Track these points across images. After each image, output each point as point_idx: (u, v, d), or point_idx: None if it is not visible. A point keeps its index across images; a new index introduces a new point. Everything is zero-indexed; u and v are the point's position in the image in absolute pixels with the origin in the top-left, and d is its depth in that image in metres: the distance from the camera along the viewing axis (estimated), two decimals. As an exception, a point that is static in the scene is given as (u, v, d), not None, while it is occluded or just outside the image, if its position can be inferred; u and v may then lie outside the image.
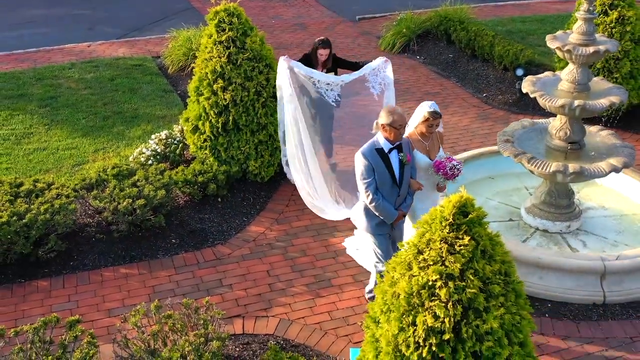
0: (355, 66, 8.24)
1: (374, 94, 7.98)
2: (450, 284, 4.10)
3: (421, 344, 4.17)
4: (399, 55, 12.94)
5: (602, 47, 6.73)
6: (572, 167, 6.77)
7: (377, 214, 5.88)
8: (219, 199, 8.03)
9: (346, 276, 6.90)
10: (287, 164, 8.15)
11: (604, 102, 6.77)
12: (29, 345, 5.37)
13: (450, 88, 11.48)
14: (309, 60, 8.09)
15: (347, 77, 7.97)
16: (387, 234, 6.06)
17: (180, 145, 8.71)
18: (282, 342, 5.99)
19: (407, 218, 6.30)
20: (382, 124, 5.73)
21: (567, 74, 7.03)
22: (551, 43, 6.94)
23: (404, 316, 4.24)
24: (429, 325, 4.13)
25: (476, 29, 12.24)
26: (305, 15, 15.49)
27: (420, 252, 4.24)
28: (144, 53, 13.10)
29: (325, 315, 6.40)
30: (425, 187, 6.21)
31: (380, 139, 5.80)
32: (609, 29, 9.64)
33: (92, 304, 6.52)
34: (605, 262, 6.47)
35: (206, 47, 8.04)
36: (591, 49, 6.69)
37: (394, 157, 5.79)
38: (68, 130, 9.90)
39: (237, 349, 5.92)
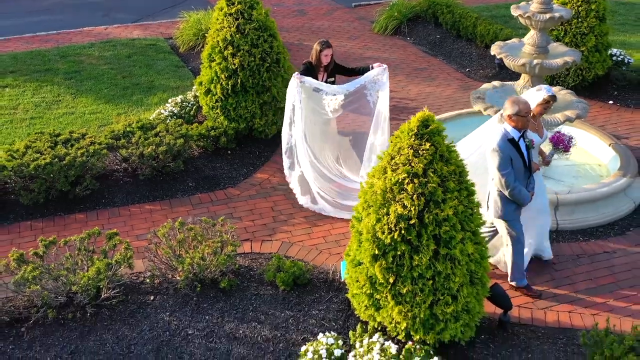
0: (353, 71, 8.47)
1: (370, 102, 8.13)
2: (416, 180, 5.27)
3: (393, 229, 5.34)
4: (390, 37, 14.12)
5: (557, 14, 7.89)
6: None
7: (514, 200, 6.18)
8: (229, 152, 9.20)
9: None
10: (290, 168, 8.31)
11: (559, 61, 7.94)
12: (76, 252, 6.54)
13: (436, 64, 12.65)
14: (311, 66, 8.21)
15: (350, 85, 8.05)
16: (519, 217, 6.37)
17: (194, 107, 9.88)
18: (284, 257, 7.14)
19: None
20: (508, 115, 6.08)
21: (529, 39, 8.20)
22: (514, 11, 8.11)
23: (380, 209, 5.41)
24: (399, 213, 5.30)
25: (461, 12, 13.42)
26: (305, 3, 16.65)
27: (392, 158, 5.41)
28: (157, 35, 14.26)
29: (320, 239, 7.56)
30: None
31: (508, 128, 6.11)
32: (576, 7, 10.77)
33: (123, 230, 7.66)
34: (558, 196, 7.63)
35: (217, 19, 9.20)
36: (547, 15, 7.85)
37: (521, 144, 6.15)
38: (92, 98, 11.06)
39: (247, 262, 7.08)
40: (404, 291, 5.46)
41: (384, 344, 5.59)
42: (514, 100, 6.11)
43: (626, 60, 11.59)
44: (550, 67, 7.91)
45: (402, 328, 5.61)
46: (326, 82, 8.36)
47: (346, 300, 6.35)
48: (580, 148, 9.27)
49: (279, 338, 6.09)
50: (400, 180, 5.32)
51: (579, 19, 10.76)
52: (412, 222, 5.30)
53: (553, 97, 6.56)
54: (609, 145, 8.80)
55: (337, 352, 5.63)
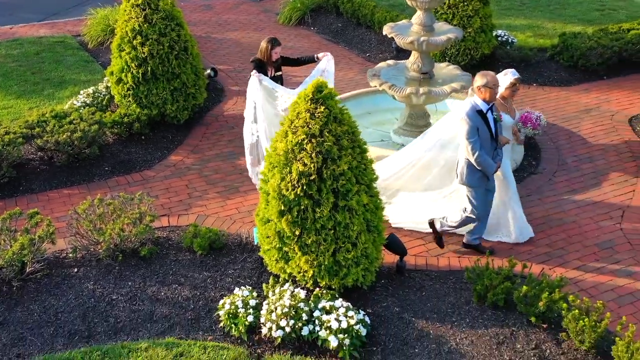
0: (298, 62, 8.82)
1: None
2: (313, 140, 5.90)
3: (296, 185, 5.95)
4: (295, 27, 14.77)
5: (439, -5, 8.69)
6: (422, 89, 8.72)
7: (479, 168, 6.67)
8: (143, 137, 9.59)
9: (250, 185, 8.58)
10: (252, 164, 8.35)
11: (443, 37, 8.75)
12: (-2, 232, 6.83)
13: (339, 51, 13.37)
14: (261, 62, 8.38)
15: (304, 86, 7.86)
16: (484, 188, 6.86)
17: (106, 97, 10.20)
18: (201, 228, 7.64)
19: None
20: (477, 86, 6.56)
21: (416, 18, 8.98)
22: (402, -6, 8.85)
23: (284, 168, 6.02)
24: (300, 170, 5.91)
25: (360, 1, 14.20)
26: (211, -2, 17.09)
27: (292, 122, 6.02)
28: (65, 32, 14.38)
29: (234, 210, 8.10)
30: (507, 145, 7.22)
31: (477, 101, 6.60)
32: (462, -8, 11.72)
33: (43, 214, 7.95)
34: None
35: (125, 10, 9.57)
36: (431, -4, 8.65)
37: (489, 117, 6.64)
38: (2, 95, 11.17)
39: (165, 234, 7.55)
40: (309, 242, 6.08)
41: (294, 291, 6.19)
42: (482, 73, 6.59)
43: (510, 40, 12.63)
44: (435, 44, 8.71)
45: (310, 276, 6.24)
46: (274, 76, 8.61)
47: (259, 259, 6.92)
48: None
49: (199, 296, 6.60)
50: (299, 141, 5.94)
51: (465, 3, 11.70)
52: (312, 178, 5.93)
53: (519, 80, 7.17)
54: (493, 113, 9.71)
55: (252, 302, 6.19)
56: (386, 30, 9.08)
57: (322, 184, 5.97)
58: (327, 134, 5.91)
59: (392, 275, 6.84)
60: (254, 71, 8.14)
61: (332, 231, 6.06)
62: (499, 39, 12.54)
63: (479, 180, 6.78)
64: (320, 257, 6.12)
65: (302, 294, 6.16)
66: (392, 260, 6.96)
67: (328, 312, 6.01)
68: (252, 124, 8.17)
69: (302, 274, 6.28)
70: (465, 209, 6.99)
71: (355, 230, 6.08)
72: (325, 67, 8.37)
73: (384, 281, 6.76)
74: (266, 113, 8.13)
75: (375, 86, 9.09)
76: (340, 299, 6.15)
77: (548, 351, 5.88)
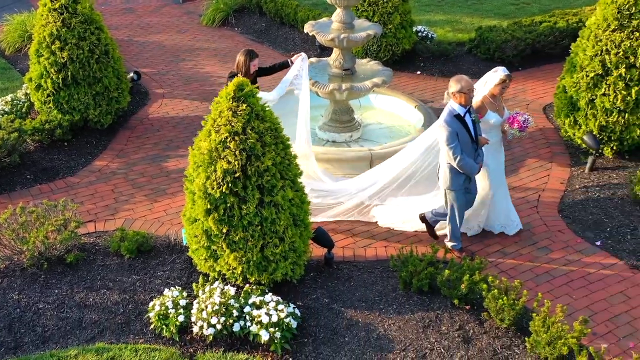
0: (272, 69, 8.59)
1: (299, 94, 8.29)
2: (237, 138, 5.96)
3: (221, 183, 6.00)
4: (219, 28, 14.75)
5: (356, -8, 8.88)
6: (345, 85, 8.89)
7: (462, 171, 6.68)
8: (65, 143, 9.44)
9: (177, 187, 8.57)
10: None
11: (362, 34, 8.94)
12: None
13: (263, 50, 13.43)
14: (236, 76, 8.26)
15: (281, 89, 8.18)
16: (466, 190, 6.88)
17: (25, 104, 9.98)
18: (128, 232, 7.58)
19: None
20: (453, 92, 6.54)
21: (336, 16, 9.14)
22: (320, -8, 9.00)
23: (208, 167, 6.05)
24: (225, 168, 5.97)
25: (282, 0, 14.29)
26: (132, 1, 16.84)
27: (215, 121, 6.07)
28: (-21, 40, 13.95)
29: (161, 213, 8.07)
30: (496, 143, 7.14)
31: (454, 105, 6.59)
32: (380, -10, 11.97)
33: (-38, 225, 7.75)
34: (372, 152, 8.64)
35: (42, 15, 9.38)
36: (349, -6, 8.82)
37: (468, 119, 6.62)
38: None
39: (92, 239, 7.46)
40: (237, 239, 6.14)
41: (223, 288, 6.24)
42: (457, 78, 6.56)
43: (430, 35, 12.97)
44: (355, 40, 8.89)
45: (239, 272, 6.30)
46: None
47: (188, 260, 6.93)
48: (391, 112, 10.43)
49: (128, 300, 6.57)
50: (223, 140, 5.99)
51: (385, 0, 11.94)
52: (237, 175, 5.99)
53: (509, 76, 6.93)
54: (415, 107, 9.99)
55: (183, 302, 6.21)
56: (307, 28, 9.21)
57: (247, 181, 6.04)
58: (250, 132, 5.98)
59: (320, 268, 6.97)
60: None
61: (259, 227, 6.14)
62: (419, 34, 12.86)
63: (464, 183, 6.80)
64: (248, 254, 6.19)
65: (232, 290, 6.21)
66: (321, 253, 7.09)
67: (258, 307, 6.09)
68: None
69: (231, 271, 6.34)
70: (448, 213, 7.04)
71: (282, 225, 6.18)
72: (300, 69, 8.21)
73: (313, 274, 6.88)
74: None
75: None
76: (270, 294, 6.24)
77: (471, 331, 6.12)
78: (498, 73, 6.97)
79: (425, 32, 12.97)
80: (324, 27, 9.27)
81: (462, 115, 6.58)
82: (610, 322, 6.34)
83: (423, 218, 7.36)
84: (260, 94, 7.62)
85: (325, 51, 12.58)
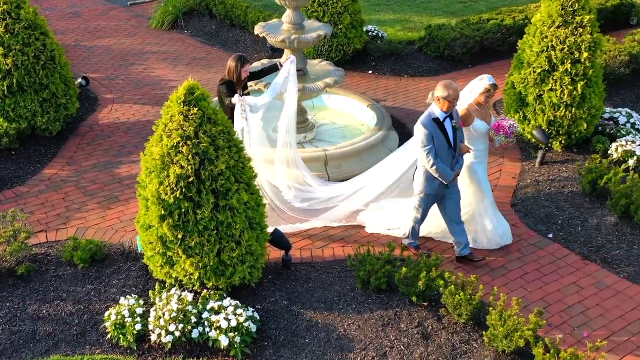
0: (261, 73, 8.44)
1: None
2: (189, 142, 5.90)
3: (174, 188, 5.93)
4: (168, 31, 14.57)
5: (306, -7, 8.88)
6: (297, 86, 8.86)
7: (436, 176, 6.61)
8: (13, 152, 9.19)
9: (130, 193, 8.43)
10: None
11: (313, 35, 8.94)
12: None
13: (214, 53, 13.34)
14: (231, 84, 7.84)
15: (273, 92, 7.95)
16: (436, 196, 6.81)
17: (-32, 113, 9.69)
18: (81, 240, 7.43)
19: (464, 178, 7.09)
20: (437, 97, 6.43)
21: (286, 17, 9.12)
22: (270, -7, 8.97)
23: (161, 172, 5.97)
24: (178, 173, 5.89)
25: (232, 2, 14.21)
26: (78, 5, 16.53)
27: (166, 125, 5.99)
28: None
29: (115, 220, 7.93)
30: (484, 150, 7.07)
31: (435, 109, 6.49)
32: (330, -10, 12.00)
33: None
34: (326, 152, 8.65)
35: (-17, 21, 9.13)
36: (298, -5, 8.82)
37: (447, 125, 6.51)
38: None
39: (43, 250, 7.28)
40: (193, 244, 6.07)
41: (181, 295, 6.16)
42: (446, 84, 6.40)
43: (380, 35, 13.05)
44: (306, 41, 8.89)
45: (196, 278, 6.24)
46: (242, 94, 8.14)
47: (144, 267, 6.83)
48: (344, 112, 10.46)
49: (83, 310, 6.43)
50: (175, 144, 5.91)
51: (334, 0, 11.97)
52: (190, 180, 5.92)
53: (494, 86, 6.82)
54: (367, 106, 10.03)
55: (139, 310, 6.11)
56: (257, 30, 9.17)
57: (201, 185, 5.98)
58: (203, 135, 5.92)
59: (278, 270, 6.95)
60: (236, 96, 7.59)
61: (215, 231, 6.08)
62: (370, 33, 12.93)
63: (438, 188, 6.71)
64: (205, 258, 6.13)
65: (189, 296, 6.14)
66: (278, 256, 7.07)
67: (217, 312, 6.03)
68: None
69: (188, 276, 6.27)
70: (413, 214, 7.00)
71: (238, 229, 6.13)
72: (289, 72, 8.08)
73: (271, 276, 6.85)
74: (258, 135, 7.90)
75: (251, 86, 9.16)
76: (229, 298, 6.19)
77: (430, 327, 6.18)
78: (483, 81, 6.86)
79: (376, 32, 13.05)
80: (274, 29, 9.25)
81: (442, 119, 6.48)
82: (564, 313, 6.47)
83: (458, 258, 7.11)
84: (252, 99, 7.68)
85: (276, 52, 12.54)
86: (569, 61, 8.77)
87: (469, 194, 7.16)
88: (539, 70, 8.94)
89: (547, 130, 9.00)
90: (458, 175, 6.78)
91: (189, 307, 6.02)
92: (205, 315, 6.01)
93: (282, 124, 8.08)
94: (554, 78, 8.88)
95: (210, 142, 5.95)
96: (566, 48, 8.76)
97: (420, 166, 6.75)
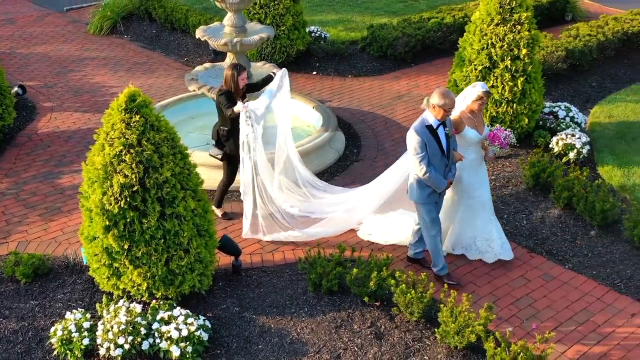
0: (258, 85, 8.13)
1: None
2: (132, 150, 5.77)
3: (119, 198, 5.79)
4: (107, 36, 14.28)
5: (247, -5, 8.81)
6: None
7: (428, 184, 6.42)
8: (-53, 166, 8.87)
9: (73, 204, 8.20)
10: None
11: (255, 37, 8.88)
12: None
13: (155, 57, 13.13)
14: (230, 94, 7.56)
15: (267, 100, 7.59)
16: (435, 203, 6.59)
17: None
18: (22, 255, 7.19)
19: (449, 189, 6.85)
20: (433, 104, 6.23)
21: (227, 20, 9.03)
22: (210, -4, 8.87)
23: (104, 182, 5.83)
24: (122, 182, 5.76)
25: (172, 5, 14.01)
26: (12, 12, 16.06)
27: (107, 134, 5.85)
28: None
29: (58, 232, 7.71)
30: (476, 160, 6.83)
31: (429, 116, 6.31)
32: (271, -8, 11.95)
33: None
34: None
35: None
36: (239, -3, 8.74)
37: (441, 132, 6.33)
38: None
39: (-17, 266, 7.03)
40: (140, 254, 5.94)
41: (129, 306, 6.02)
42: (443, 92, 6.22)
43: (323, 35, 13.05)
44: (249, 44, 8.82)
45: (145, 289, 6.11)
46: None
47: (90, 279, 6.65)
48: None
49: (27, 327, 6.22)
50: (118, 153, 5.78)
51: (276, 2, 11.93)
52: (135, 189, 5.79)
53: (487, 93, 6.63)
54: (313, 107, 10.02)
55: (87, 324, 5.95)
56: (199, 33, 9.06)
57: (146, 194, 5.86)
58: (146, 143, 5.80)
59: (229, 276, 6.87)
60: (239, 103, 7.33)
61: (163, 240, 5.97)
62: (313, 34, 12.93)
63: (429, 197, 6.52)
64: (153, 268, 6.01)
65: (138, 308, 6.01)
66: (228, 262, 6.98)
67: (167, 323, 5.92)
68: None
69: (136, 287, 6.14)
70: (423, 230, 6.76)
71: (185, 237, 6.03)
72: (282, 82, 7.83)
73: (222, 283, 6.77)
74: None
75: (195, 90, 9.06)
76: (179, 308, 6.08)
77: (383, 327, 6.20)
78: (476, 89, 6.68)
79: (319, 32, 13.06)
80: (216, 32, 9.15)
81: (435, 127, 6.32)
82: (513, 306, 6.58)
83: (410, 259, 7.10)
84: (253, 104, 7.39)
85: (219, 55, 12.42)
86: (509, 58, 8.93)
87: (447, 198, 6.97)
88: (480, 68, 9.08)
89: (490, 126, 9.15)
90: (451, 183, 6.64)
91: (138, 319, 5.89)
92: (155, 326, 5.89)
93: (280, 140, 7.94)
94: (495, 75, 9.03)
95: (154, 150, 5.83)
96: (505, 45, 8.92)
97: (412, 174, 6.57)
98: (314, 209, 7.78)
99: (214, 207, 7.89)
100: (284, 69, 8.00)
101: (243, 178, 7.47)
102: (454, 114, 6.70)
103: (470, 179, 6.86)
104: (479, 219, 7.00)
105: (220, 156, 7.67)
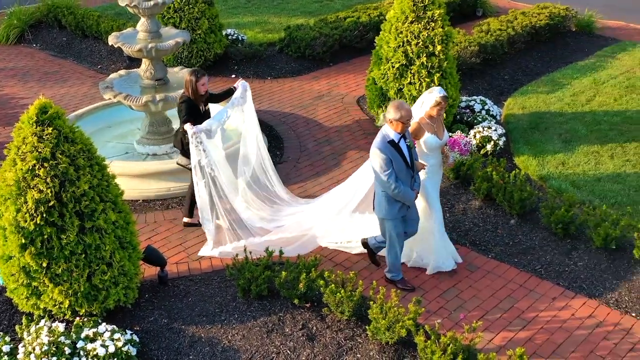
0: (220, 97, 8.10)
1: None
2: (46, 164, 5.56)
3: (34, 214, 5.57)
4: (15, 45, 13.74)
5: (160, 0, 8.63)
6: (159, 96, 8.61)
7: (397, 199, 6.31)
8: None
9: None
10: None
11: (171, 42, 8.72)
12: None
13: (67, 66, 12.72)
14: (191, 102, 7.49)
15: (227, 111, 7.66)
16: (402, 217, 6.49)
17: None
18: None
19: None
20: (390, 119, 6.13)
21: (141, 25, 8.83)
22: (122, 2, 8.65)
23: (18, 199, 5.59)
24: (37, 198, 5.54)
25: (83, 12, 13.60)
26: None
27: (19, 148, 5.61)
28: None
29: (-29, 253, 7.34)
30: (435, 165, 6.74)
31: (389, 131, 6.19)
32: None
33: None
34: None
35: None
36: (152, 2, 8.55)
37: (402, 145, 6.24)
38: None
39: None
40: (60, 271, 5.74)
41: (51, 326, 5.80)
42: (398, 105, 6.15)
43: (240, 38, 12.95)
44: (164, 49, 8.64)
45: (67, 306, 5.90)
46: (205, 111, 7.75)
47: (8, 300, 6.37)
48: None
49: (-58, 355, 5.91)
50: (31, 168, 5.55)
51: (190, 5, 11.75)
52: (51, 204, 5.58)
53: (444, 98, 6.55)
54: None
55: (6, 348, 5.70)
56: (112, 40, 8.82)
57: (63, 209, 5.65)
58: (61, 156, 5.59)
59: (155, 288, 6.71)
60: (188, 125, 7.18)
61: (83, 255, 5.78)
62: (230, 37, 12.81)
63: (400, 211, 6.43)
64: (75, 285, 5.81)
65: (61, 327, 5.79)
66: (154, 273, 6.83)
67: (93, 340, 5.72)
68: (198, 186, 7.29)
69: (58, 306, 5.93)
70: (387, 244, 6.68)
71: (108, 250, 5.86)
72: (243, 95, 7.82)
73: (148, 295, 6.61)
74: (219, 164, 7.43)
75: (110, 98, 8.82)
76: (104, 324, 5.89)
77: (314, 328, 6.19)
78: (433, 94, 6.59)
79: (236, 35, 12.95)
80: (129, 38, 8.94)
81: (397, 141, 6.22)
82: (440, 298, 6.70)
83: (365, 244, 7.03)
84: (204, 125, 7.27)
85: (134, 62, 12.14)
86: (425, 55, 9.10)
87: (418, 210, 6.84)
88: (397, 65, 9.21)
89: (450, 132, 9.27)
90: (418, 194, 6.55)
91: (62, 338, 5.67)
92: (80, 344, 5.69)
93: (249, 150, 7.87)
94: (412, 72, 9.18)
95: (69, 162, 5.64)
96: (421, 42, 9.08)
97: (379, 191, 6.45)
98: (277, 219, 7.66)
99: (185, 218, 7.69)
100: (244, 82, 7.98)
101: (199, 203, 7.29)
102: (413, 121, 6.57)
103: (432, 184, 6.83)
104: (437, 222, 6.92)
105: (190, 166, 7.40)
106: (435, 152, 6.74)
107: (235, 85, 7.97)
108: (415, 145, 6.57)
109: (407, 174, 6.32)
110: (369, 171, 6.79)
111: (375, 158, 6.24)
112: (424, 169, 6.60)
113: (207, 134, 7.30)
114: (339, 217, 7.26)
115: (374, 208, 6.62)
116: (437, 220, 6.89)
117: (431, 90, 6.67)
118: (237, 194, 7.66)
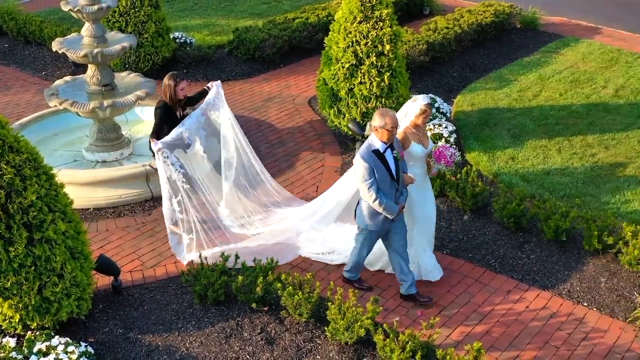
0: (194, 99, 7.97)
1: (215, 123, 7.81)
2: (-9, 175, 5.38)
3: (-21, 227, 5.39)
4: (-46, 53, 13.31)
5: (104, 5, 8.48)
6: (107, 102, 8.45)
7: (380, 211, 6.13)
8: None
9: None
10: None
11: (117, 47, 8.57)
12: None
13: (10, 73, 12.37)
14: (167, 106, 7.40)
15: (200, 114, 7.52)
16: (381, 231, 6.34)
17: None
18: None
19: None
20: (375, 127, 5.96)
21: (86, 30, 8.65)
22: (64, 7, 8.47)
23: (-39, 212, 5.40)
24: (-19, 211, 5.36)
25: (25, 17, 13.26)
26: None
27: (-39, 160, 5.42)
28: None
29: None
30: (421, 175, 6.56)
31: (374, 140, 6.03)
32: (130, -1, 11.58)
33: None
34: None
35: None
36: (96, 7, 8.39)
37: (389, 156, 6.05)
38: None
39: None
40: (9, 285, 5.58)
41: (1, 341, 5.64)
42: (382, 112, 5.99)
43: (189, 41, 12.80)
44: (110, 54, 8.48)
45: (17, 321, 5.75)
46: (183, 115, 7.54)
47: (-45, 317, 6.16)
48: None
49: None
50: (-26, 179, 5.38)
51: (136, 9, 11.56)
52: (-4, 216, 5.42)
53: (429, 105, 6.41)
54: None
55: (-46, 367, 5.51)
56: (55, 46, 8.63)
57: (10, 220, 5.49)
58: (6, 166, 5.43)
59: (110, 297, 6.59)
60: (153, 143, 7.02)
61: (33, 267, 5.63)
62: (178, 40, 12.65)
63: (383, 223, 6.27)
64: (25, 298, 5.66)
65: (12, 342, 5.64)
66: (107, 282, 6.70)
67: (46, 354, 5.59)
68: (170, 201, 7.06)
69: (7, 321, 5.78)
70: (355, 246, 6.61)
71: (58, 261, 5.72)
72: (216, 96, 7.66)
73: (102, 305, 6.48)
74: (200, 173, 7.28)
75: (56, 105, 8.62)
76: (57, 336, 5.76)
77: (273, 332, 6.16)
78: (418, 102, 6.43)
79: (184, 38, 12.80)
80: (74, 44, 8.76)
81: (382, 151, 6.06)
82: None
83: (346, 280, 6.83)
84: (170, 136, 7.10)
85: (80, 68, 11.90)
86: (374, 54, 9.14)
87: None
88: (347, 65, 9.23)
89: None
90: (403, 208, 6.34)
91: (13, 354, 5.53)
92: (33, 359, 5.54)
93: (230, 151, 7.69)
94: (362, 72, 9.21)
95: (15, 173, 5.48)
96: (370, 42, 9.12)
97: (362, 201, 6.31)
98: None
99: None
100: (218, 81, 7.88)
101: (168, 213, 7.13)
102: (398, 131, 6.37)
103: (418, 194, 6.66)
104: (417, 232, 6.83)
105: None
106: (420, 162, 6.60)
107: (208, 85, 7.90)
108: (403, 156, 6.37)
109: (392, 186, 6.15)
110: (352, 180, 6.71)
111: (358, 167, 6.09)
112: (413, 182, 6.38)
113: (182, 147, 7.21)
114: (319, 227, 7.21)
115: (355, 217, 6.50)
116: (423, 230, 6.78)
117: (415, 99, 6.51)
118: (221, 199, 7.58)
